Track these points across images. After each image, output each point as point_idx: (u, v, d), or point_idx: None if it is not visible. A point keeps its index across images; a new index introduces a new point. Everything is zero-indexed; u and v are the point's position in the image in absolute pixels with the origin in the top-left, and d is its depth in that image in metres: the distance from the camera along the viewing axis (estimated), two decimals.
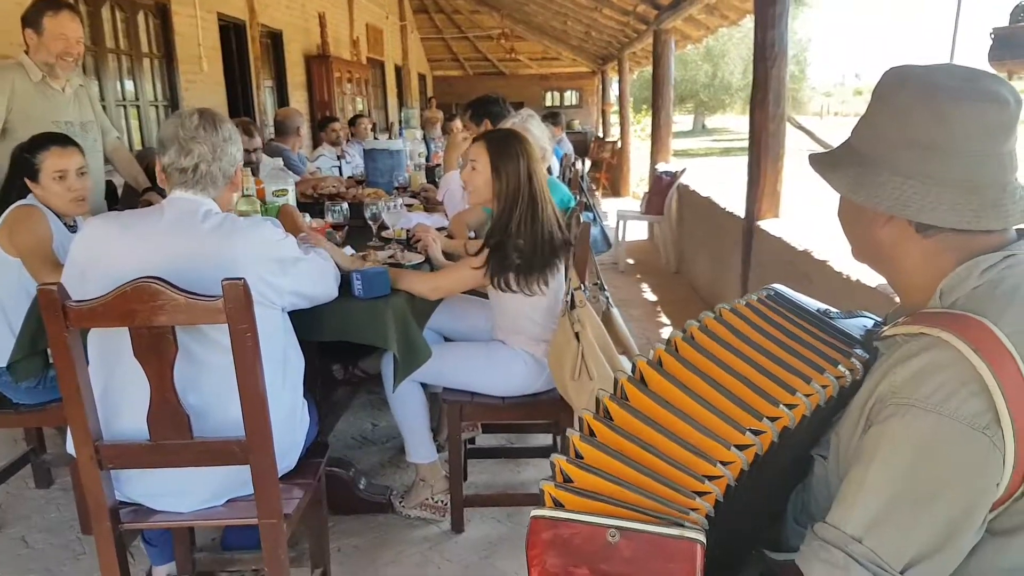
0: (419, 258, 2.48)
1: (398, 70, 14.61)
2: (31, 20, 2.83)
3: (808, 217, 3.86)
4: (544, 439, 2.87)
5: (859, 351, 1.03)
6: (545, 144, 3.14)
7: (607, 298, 2.36)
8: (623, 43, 10.51)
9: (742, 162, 4.17)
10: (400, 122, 14.15)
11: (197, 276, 1.56)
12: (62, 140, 2.36)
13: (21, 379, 2.16)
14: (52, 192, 2.29)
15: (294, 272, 1.78)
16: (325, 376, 3.09)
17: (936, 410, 0.82)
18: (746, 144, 3.98)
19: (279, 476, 1.66)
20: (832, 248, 2.97)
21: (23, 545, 2.41)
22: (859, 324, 1.12)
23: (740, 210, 4.24)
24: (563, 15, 11.19)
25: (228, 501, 1.71)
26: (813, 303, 1.17)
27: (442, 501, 2.44)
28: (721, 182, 7.93)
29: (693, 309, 4.99)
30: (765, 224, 3.76)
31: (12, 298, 2.22)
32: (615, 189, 11.70)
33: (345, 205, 2.60)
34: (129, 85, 5.61)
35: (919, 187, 0.90)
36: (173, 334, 1.50)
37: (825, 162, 1.01)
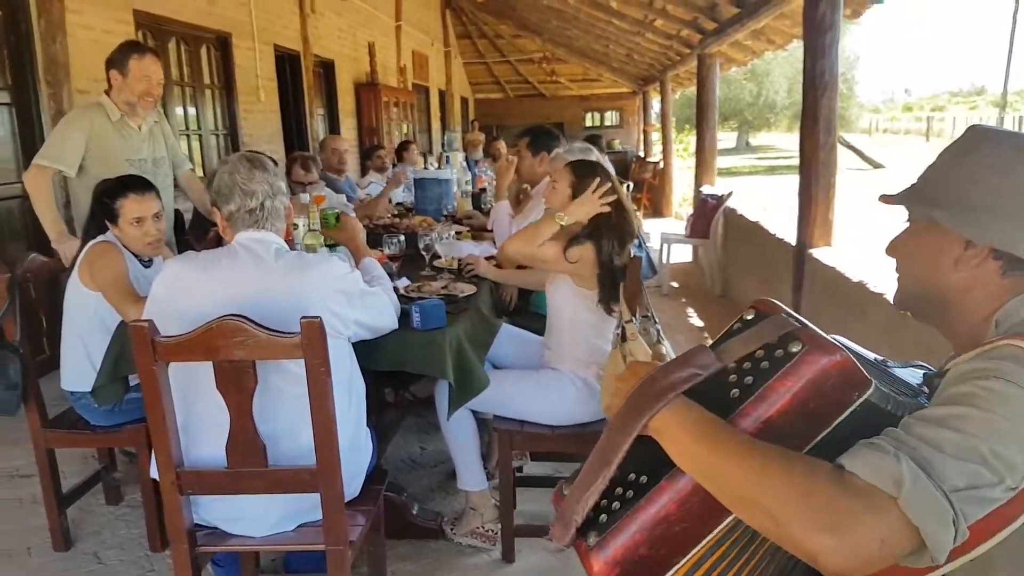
0: (472, 289, 2.56)
1: (442, 94, 14.89)
2: (117, 61, 2.99)
3: (861, 243, 3.85)
4: None
5: (920, 400, 1.06)
6: None
7: (658, 331, 2.40)
8: (665, 65, 10.55)
9: (788, 181, 4.18)
10: (443, 145, 14.43)
11: (272, 310, 1.67)
12: (139, 187, 2.46)
13: (103, 403, 2.29)
14: (129, 235, 2.42)
15: (360, 304, 1.88)
16: (376, 400, 3.19)
17: (1019, 383, 0.82)
18: (792, 162, 4.01)
19: (345, 502, 1.75)
20: (887, 280, 2.97)
21: (95, 561, 2.53)
22: (915, 374, 1.15)
23: (790, 235, 4.25)
24: (605, 39, 11.29)
25: (298, 527, 1.80)
26: (869, 353, 1.21)
27: (492, 530, 2.50)
28: (768, 204, 7.91)
29: None
30: (817, 252, 3.76)
31: (89, 329, 2.36)
32: (657, 210, 11.68)
33: (401, 237, 2.71)
34: (192, 114, 5.86)
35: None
36: (253, 368, 1.60)
37: (914, 199, 1.03)
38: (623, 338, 2.24)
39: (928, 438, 0.81)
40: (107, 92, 3.04)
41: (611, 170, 2.96)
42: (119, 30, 4.69)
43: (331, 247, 2.54)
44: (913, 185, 1.06)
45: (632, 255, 2.40)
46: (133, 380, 2.32)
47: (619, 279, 2.32)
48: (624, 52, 11.89)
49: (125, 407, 2.37)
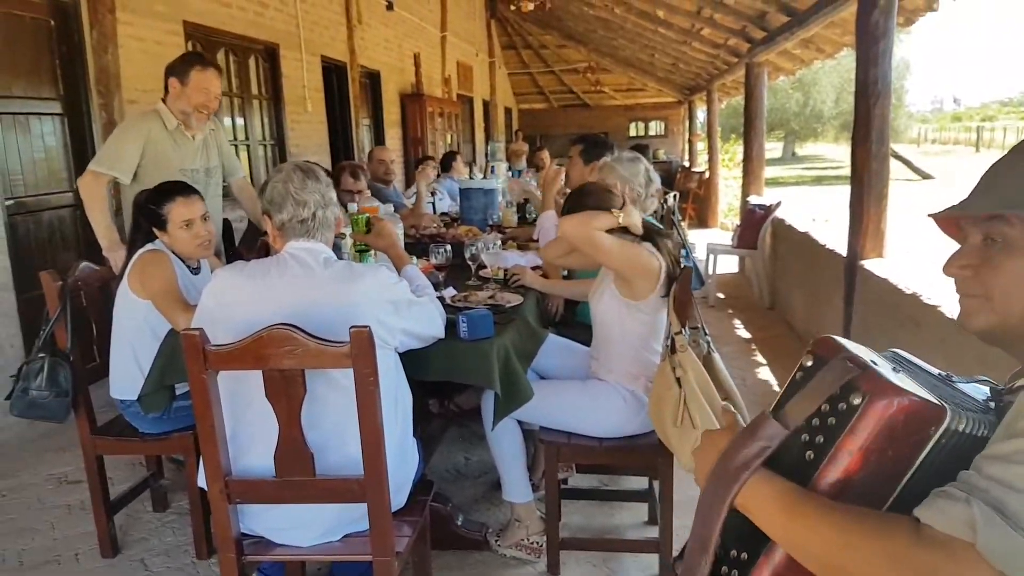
0: (518, 299, 2.53)
1: (486, 104, 14.96)
2: (179, 70, 3.02)
3: (913, 254, 3.73)
4: (639, 482, 2.84)
5: (987, 413, 1.00)
6: (638, 187, 3.12)
7: (708, 342, 2.35)
8: (712, 75, 10.44)
9: (836, 192, 4.07)
10: (487, 155, 14.50)
11: (321, 319, 1.67)
12: (184, 190, 2.49)
13: (149, 411, 2.32)
14: (179, 239, 2.44)
15: (407, 313, 1.86)
16: (421, 410, 3.17)
17: None
18: (840, 173, 3.92)
19: (391, 512, 1.73)
20: (942, 292, 2.86)
21: (142, 568, 2.55)
22: (980, 389, 1.09)
23: (840, 247, 4.14)
24: (651, 48, 11.23)
25: (344, 536, 1.78)
26: (933, 368, 1.15)
27: (537, 543, 2.46)
28: (816, 215, 7.73)
29: (789, 347, 4.86)
30: (869, 264, 3.65)
31: (139, 337, 2.38)
32: (702, 220, 11.53)
33: (448, 247, 2.70)
34: (240, 124, 5.97)
35: None
36: (303, 376, 1.60)
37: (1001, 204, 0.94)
38: (672, 350, 2.20)
39: (999, 477, 0.78)
40: (163, 99, 3.07)
41: (657, 180, 2.91)
42: (169, 41, 4.80)
43: (361, 252, 2.53)
44: (992, 192, 0.96)
45: (682, 265, 2.35)
46: (180, 388, 2.34)
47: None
48: (670, 61, 11.81)
49: (173, 415, 2.39)
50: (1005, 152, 1.00)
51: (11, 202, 3.67)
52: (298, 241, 1.81)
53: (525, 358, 2.33)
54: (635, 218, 2.29)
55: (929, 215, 1.06)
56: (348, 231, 2.59)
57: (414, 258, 2.74)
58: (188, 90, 3.01)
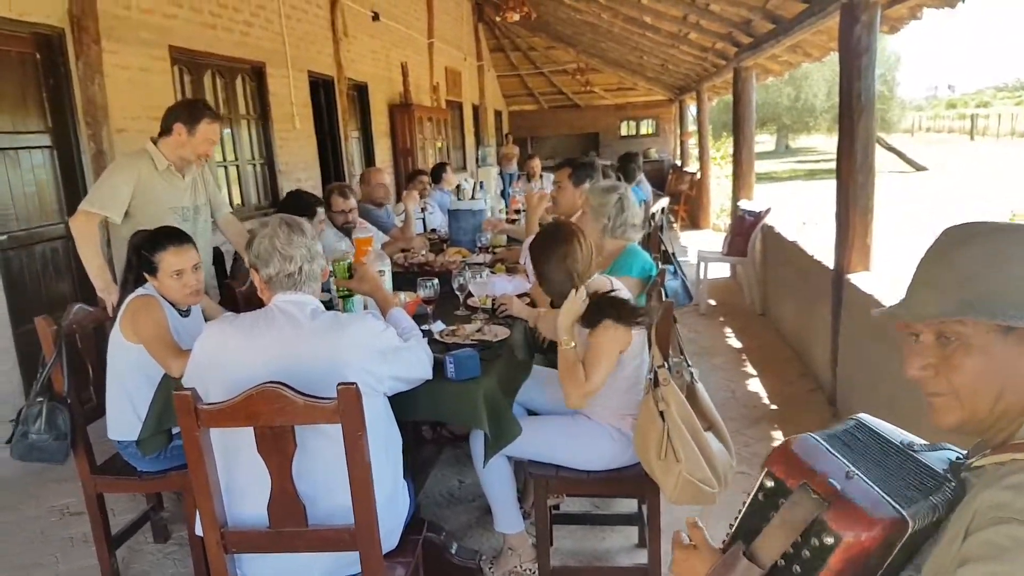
0: (505, 331, 2.57)
1: (475, 109, 14.98)
2: (188, 119, 3.03)
3: (899, 261, 3.77)
4: (629, 504, 2.89)
5: (943, 490, 1.04)
6: (605, 219, 3.11)
7: (691, 373, 2.39)
8: (701, 76, 10.48)
9: (829, 186, 4.09)
10: (477, 160, 14.50)
11: (310, 371, 1.72)
12: (177, 239, 2.51)
13: (148, 452, 2.36)
14: (169, 287, 2.47)
15: (394, 359, 1.91)
16: (414, 436, 3.22)
17: None
18: (833, 166, 3.94)
19: (383, 555, 1.77)
20: None
21: None
22: (943, 457, 1.14)
23: (828, 257, 4.19)
24: (639, 51, 11.27)
25: None
26: (897, 434, 1.19)
27: (530, 570, 2.51)
28: (808, 215, 7.73)
29: (779, 357, 4.92)
30: (855, 278, 3.70)
31: (133, 380, 2.43)
32: (694, 221, 11.57)
33: (436, 281, 2.74)
34: (228, 145, 5.99)
35: None
36: (293, 432, 1.64)
37: (967, 308, 0.97)
38: (655, 383, 2.25)
39: None
40: (154, 140, 3.09)
41: (633, 210, 2.92)
42: (156, 67, 4.82)
43: (345, 297, 2.56)
44: (935, 292, 0.99)
45: (662, 297, 2.39)
46: (176, 428, 2.38)
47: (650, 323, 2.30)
48: (659, 63, 11.84)
49: (170, 453, 2.44)
50: (935, 239, 1.03)
51: (4, 237, 3.70)
52: (285, 294, 1.85)
53: (511, 392, 2.38)
54: (597, 285, 2.29)
55: (873, 312, 1.10)
56: (331, 278, 2.62)
57: (400, 295, 2.79)
58: (195, 140, 3.05)
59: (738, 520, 1.11)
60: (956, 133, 42.17)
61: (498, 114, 17.98)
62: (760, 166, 9.65)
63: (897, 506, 0.95)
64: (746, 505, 1.09)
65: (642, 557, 2.63)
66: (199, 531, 1.78)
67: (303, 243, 1.85)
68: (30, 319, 3.76)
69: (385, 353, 1.88)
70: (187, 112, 3.08)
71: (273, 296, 1.87)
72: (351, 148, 8.04)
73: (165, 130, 3.07)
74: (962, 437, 1.08)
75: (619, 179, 4.68)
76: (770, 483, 1.05)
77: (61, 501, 3.35)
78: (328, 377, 1.71)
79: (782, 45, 5.85)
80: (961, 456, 1.14)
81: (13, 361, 3.68)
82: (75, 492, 3.32)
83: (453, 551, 2.64)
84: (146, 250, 2.46)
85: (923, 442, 1.20)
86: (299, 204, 3.70)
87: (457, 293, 2.91)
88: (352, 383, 1.60)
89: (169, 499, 3.10)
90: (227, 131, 5.96)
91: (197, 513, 1.78)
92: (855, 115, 3.65)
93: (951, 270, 0.98)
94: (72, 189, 4.16)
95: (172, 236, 2.52)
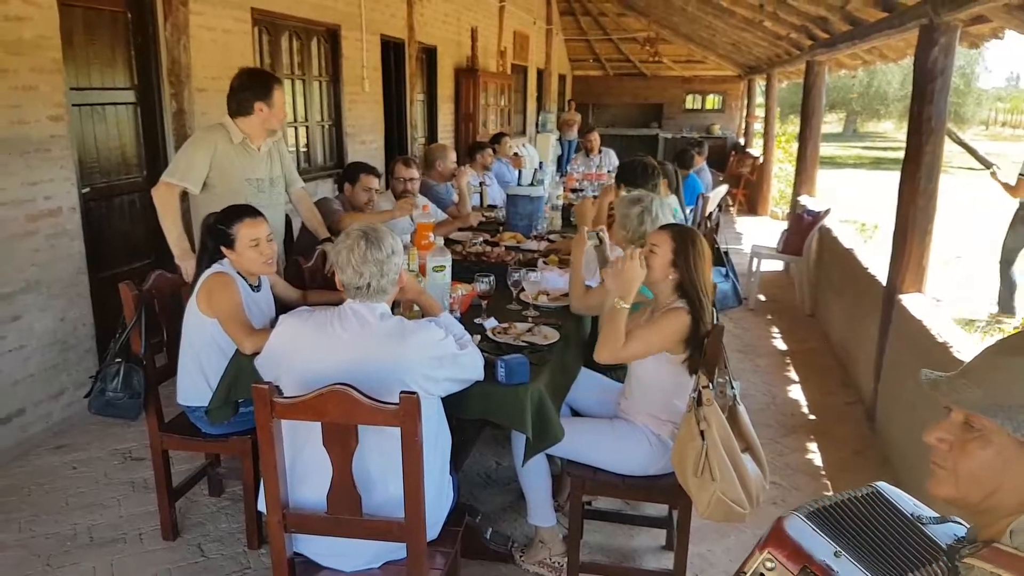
0: (555, 335, 2.66)
1: (540, 73, 14.87)
2: (263, 94, 3.18)
3: (957, 270, 3.73)
4: (659, 508, 2.99)
5: (936, 569, 1.11)
6: (627, 230, 3.13)
7: (735, 395, 2.46)
8: (773, 61, 10.23)
9: (894, 178, 4.03)
10: (537, 125, 14.42)
11: (375, 371, 1.87)
12: (251, 211, 2.67)
13: (216, 422, 2.54)
14: (247, 258, 2.62)
15: (451, 365, 2.04)
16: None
17: None
18: (900, 156, 3.89)
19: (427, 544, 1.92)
20: (970, 349, 2.91)
21: (199, 553, 2.81)
22: (949, 531, 1.20)
23: (882, 271, 4.16)
24: (712, 30, 11.01)
25: (384, 564, 1.99)
26: (910, 504, 1.25)
27: (559, 563, 2.64)
28: (868, 214, 7.51)
29: (824, 365, 4.92)
30: (907, 300, 3.69)
31: (206, 352, 2.60)
32: (752, 207, 11.40)
33: (492, 277, 2.84)
34: (300, 106, 6.13)
35: None
36: (356, 430, 1.78)
37: (989, 408, 1.04)
38: (698, 403, 2.33)
39: None
40: (232, 117, 3.23)
41: (657, 218, 2.95)
42: (237, 28, 4.96)
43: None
44: (984, 386, 1.05)
45: (715, 321, 2.46)
46: (241, 399, 2.55)
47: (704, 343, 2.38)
48: (730, 42, 11.57)
49: (234, 422, 2.62)
50: (1006, 337, 1.11)
51: (87, 189, 3.91)
52: (355, 301, 1.98)
53: (558, 396, 2.48)
54: (628, 281, 2.38)
55: (922, 375, 1.16)
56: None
57: (459, 288, 2.90)
58: (275, 110, 3.22)
59: None
60: None
61: (562, 78, 17.79)
62: (824, 149, 9.32)
63: None
64: None
65: (668, 558, 2.74)
66: (261, 507, 1.95)
67: (377, 260, 1.96)
68: (107, 268, 4.04)
69: (443, 360, 2.00)
70: (260, 88, 3.20)
71: (347, 298, 2.00)
72: (415, 111, 8.12)
73: (244, 111, 3.20)
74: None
75: (675, 167, 4.67)
76: (771, 565, 1.13)
77: (124, 445, 3.60)
78: (391, 378, 1.86)
79: (858, 48, 5.71)
80: (961, 541, 1.21)
81: (88, 307, 3.92)
82: (137, 438, 3.58)
83: (487, 535, 2.80)
84: (223, 224, 2.61)
85: (934, 514, 1.27)
86: (348, 170, 4.07)
87: (511, 288, 3.00)
88: (414, 392, 1.73)
89: (225, 458, 3.29)
90: (299, 91, 6.09)
91: (261, 490, 1.94)
92: (923, 138, 3.60)
93: (999, 373, 1.05)
94: (152, 145, 4.35)
95: (245, 209, 2.67)
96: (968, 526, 1.20)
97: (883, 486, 1.32)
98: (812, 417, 4.15)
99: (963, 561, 1.05)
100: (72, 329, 3.81)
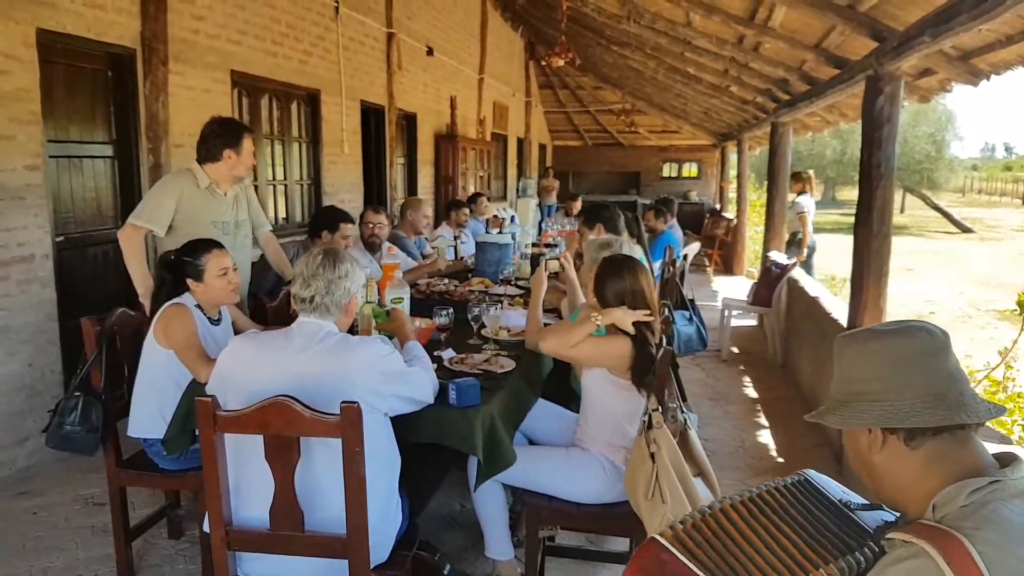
0: (511, 364, 2.71)
1: (520, 142, 15.27)
2: (232, 141, 3.30)
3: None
4: (622, 543, 2.98)
5: (863, 551, 1.15)
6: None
7: (686, 419, 2.50)
8: (743, 126, 10.60)
9: None
10: (518, 191, 14.74)
11: (319, 387, 1.90)
12: (217, 243, 2.78)
13: (172, 452, 2.54)
14: (215, 287, 2.69)
15: (398, 381, 2.07)
16: (416, 458, 3.35)
17: None
18: None
19: (372, 567, 1.92)
20: None
21: None
22: (877, 517, 1.24)
23: (843, 315, 4.25)
24: (683, 98, 11.43)
25: None
26: (839, 491, 1.30)
27: None
28: (841, 270, 7.64)
29: (793, 411, 4.95)
30: None
31: (161, 384, 2.63)
32: (728, 267, 11.63)
33: (451, 309, 2.90)
34: (279, 165, 6.28)
35: (895, 404, 1.13)
36: (298, 442, 1.81)
37: (823, 414, 1.23)
38: (648, 426, 2.36)
39: None
40: (199, 163, 3.33)
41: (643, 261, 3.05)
42: (217, 88, 5.13)
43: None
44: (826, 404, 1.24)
45: (664, 347, 2.51)
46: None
47: (652, 368, 2.43)
48: (702, 110, 11.99)
49: (191, 455, 2.61)
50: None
51: (61, 238, 3.98)
52: (304, 316, 2.03)
53: (512, 424, 2.51)
54: (616, 316, 2.46)
55: (805, 417, 1.29)
56: (360, 295, 2.80)
57: (417, 321, 2.95)
58: (243, 158, 3.33)
59: None
60: (1008, 196, 41.31)
61: (542, 147, 18.26)
62: None
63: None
64: None
65: None
66: (207, 527, 1.94)
67: (325, 277, 2.01)
68: (77, 316, 4.05)
69: (389, 375, 2.03)
70: (230, 135, 3.32)
71: (299, 315, 2.05)
72: (395, 174, 8.31)
73: (212, 157, 3.31)
74: None
75: (637, 223, 4.80)
76: None
77: (87, 491, 3.56)
78: (336, 393, 1.88)
79: (817, 105, 5.96)
80: (895, 519, 1.25)
81: (57, 354, 3.93)
82: (100, 483, 3.53)
83: (445, 573, 2.76)
84: (190, 256, 2.68)
85: (863, 501, 1.31)
86: (327, 216, 4.06)
87: (472, 323, 3.06)
88: (354, 402, 1.76)
89: (186, 498, 3.27)
90: (278, 151, 6.25)
91: (205, 512, 1.94)
92: (873, 183, 3.74)
93: (832, 385, 1.25)
94: (128, 197, 4.44)
95: (211, 241, 2.78)
96: (896, 514, 1.25)
97: (812, 474, 1.37)
98: (780, 460, 4.16)
99: (886, 538, 1.10)
100: (40, 375, 3.81)
